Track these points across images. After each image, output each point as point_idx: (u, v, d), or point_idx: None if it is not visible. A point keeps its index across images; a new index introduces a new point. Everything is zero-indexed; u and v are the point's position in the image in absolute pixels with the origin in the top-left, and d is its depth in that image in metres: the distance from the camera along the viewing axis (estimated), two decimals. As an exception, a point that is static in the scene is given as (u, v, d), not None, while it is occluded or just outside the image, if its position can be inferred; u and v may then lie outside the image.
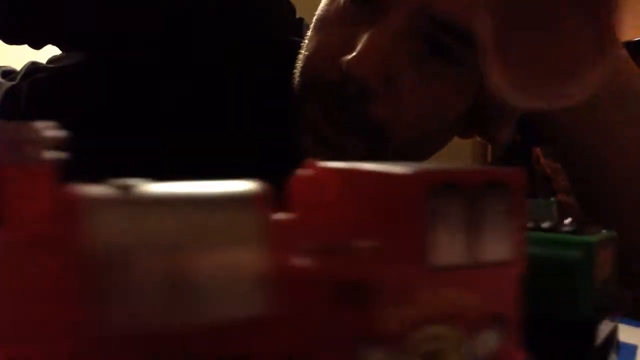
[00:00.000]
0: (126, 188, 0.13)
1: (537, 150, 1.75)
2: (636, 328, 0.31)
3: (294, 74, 0.52)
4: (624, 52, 0.47)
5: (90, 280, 0.12)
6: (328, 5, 0.51)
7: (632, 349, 0.29)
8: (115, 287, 0.12)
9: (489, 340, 0.16)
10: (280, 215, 0.16)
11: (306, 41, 0.52)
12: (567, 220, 0.23)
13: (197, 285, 0.13)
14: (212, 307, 0.13)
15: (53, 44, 0.56)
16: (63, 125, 0.49)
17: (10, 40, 0.53)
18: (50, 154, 0.12)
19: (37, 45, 0.55)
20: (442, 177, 0.15)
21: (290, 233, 0.16)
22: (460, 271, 0.15)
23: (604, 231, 0.23)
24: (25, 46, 0.55)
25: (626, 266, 0.25)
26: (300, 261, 0.14)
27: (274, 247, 0.14)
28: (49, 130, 0.12)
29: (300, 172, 0.17)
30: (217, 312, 0.13)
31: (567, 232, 0.21)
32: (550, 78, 0.17)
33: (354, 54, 0.45)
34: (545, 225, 0.22)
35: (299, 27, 0.61)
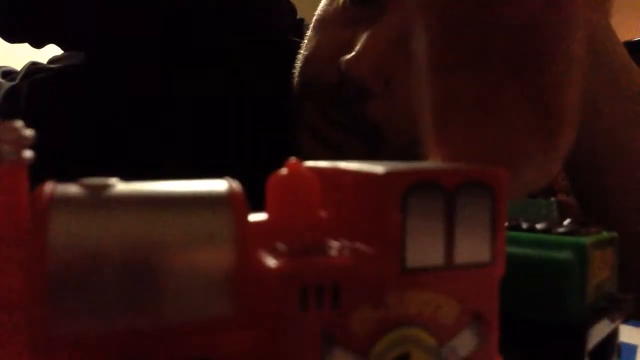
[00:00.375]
0: (97, 188, 0.13)
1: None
2: (636, 328, 0.31)
3: (293, 74, 0.52)
4: (625, 52, 0.47)
5: (53, 279, 0.12)
6: (327, 5, 0.51)
7: (632, 349, 0.29)
8: (79, 286, 0.12)
9: (466, 343, 0.15)
10: (256, 215, 0.16)
11: (305, 41, 0.52)
12: (566, 221, 0.23)
13: (164, 286, 0.13)
14: (178, 307, 0.13)
15: (54, 43, 0.56)
16: (63, 125, 0.49)
17: (12, 39, 0.53)
18: (26, 153, 0.12)
19: (38, 44, 0.55)
20: (418, 177, 0.15)
21: (265, 233, 0.15)
22: (436, 273, 0.15)
23: (604, 232, 0.23)
24: (26, 46, 0.55)
25: (626, 266, 0.25)
26: (271, 261, 0.14)
27: (245, 247, 0.14)
28: (23, 129, 0.12)
29: (279, 171, 0.16)
30: (184, 312, 0.13)
31: (560, 233, 0.21)
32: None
33: (352, 54, 0.45)
34: (540, 226, 0.22)
35: (300, 27, 0.61)
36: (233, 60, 0.54)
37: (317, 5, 0.53)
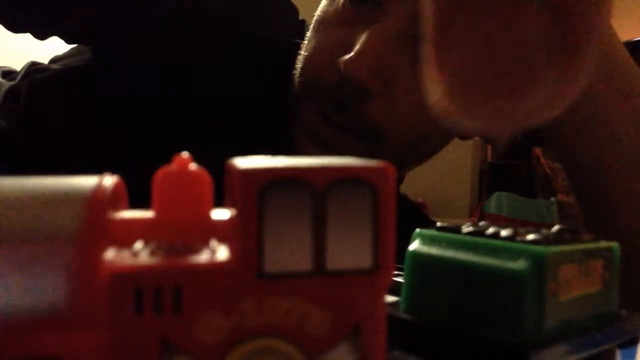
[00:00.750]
0: None
1: (537, 150, 1.75)
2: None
3: (294, 75, 0.52)
4: (626, 52, 0.47)
5: None
6: (327, 6, 0.51)
7: (632, 348, 0.29)
8: None
9: (342, 358, 0.14)
10: (126, 214, 0.15)
11: (306, 42, 0.52)
12: (555, 228, 0.21)
13: None
14: (9, 303, 0.12)
15: (57, 35, 0.55)
16: (62, 125, 0.49)
17: (14, 29, 0.53)
18: None
19: (41, 35, 0.55)
20: (279, 174, 0.13)
21: (139, 231, 0.15)
22: (303, 279, 0.13)
23: (602, 242, 0.21)
24: (26, 47, 0.55)
25: (626, 267, 0.25)
26: (113, 261, 0.13)
27: (91, 246, 0.13)
28: None
29: (167, 167, 0.15)
30: (15, 309, 0.12)
31: (521, 241, 0.18)
32: (496, 94, 0.13)
33: (351, 54, 0.45)
34: (506, 232, 0.19)
35: (301, 29, 0.61)
36: (234, 61, 0.54)
37: (318, 6, 0.53)
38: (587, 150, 0.47)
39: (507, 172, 1.94)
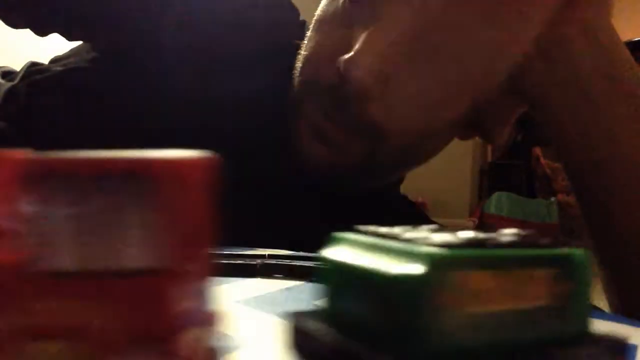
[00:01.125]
0: None
1: (537, 150, 1.75)
2: (636, 328, 0.31)
3: (294, 74, 0.52)
4: (627, 52, 0.47)
5: None
6: (327, 5, 0.51)
7: (632, 349, 0.29)
8: None
9: None
10: None
11: (306, 42, 0.52)
12: (507, 231, 0.18)
13: None
14: None
15: (57, 32, 0.55)
16: (62, 126, 0.49)
17: (14, 24, 0.53)
18: None
19: (41, 31, 0.54)
20: (47, 166, 0.13)
21: None
22: (74, 279, 0.13)
23: (560, 248, 0.17)
24: (26, 47, 0.55)
25: (627, 270, 0.25)
26: None
27: None
28: None
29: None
30: None
31: (426, 244, 0.16)
32: None
33: (350, 54, 0.45)
34: (414, 234, 0.17)
35: (301, 29, 0.61)
36: (234, 61, 0.54)
37: (318, 6, 0.53)
38: (588, 151, 0.47)
39: (507, 172, 1.94)
